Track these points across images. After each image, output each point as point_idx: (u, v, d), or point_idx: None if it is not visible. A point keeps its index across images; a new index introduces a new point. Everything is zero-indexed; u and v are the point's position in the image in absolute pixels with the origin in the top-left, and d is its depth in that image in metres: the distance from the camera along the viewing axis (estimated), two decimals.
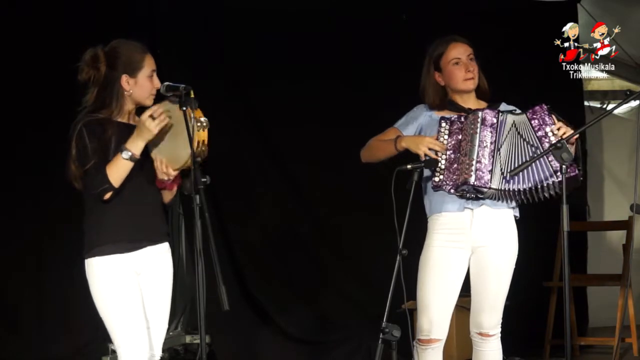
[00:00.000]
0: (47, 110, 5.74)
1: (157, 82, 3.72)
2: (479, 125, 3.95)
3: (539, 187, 3.94)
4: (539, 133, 3.94)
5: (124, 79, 3.71)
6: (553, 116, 3.96)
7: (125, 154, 3.60)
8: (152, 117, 3.62)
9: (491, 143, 3.95)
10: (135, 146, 3.62)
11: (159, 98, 3.71)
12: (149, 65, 3.72)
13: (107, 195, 3.63)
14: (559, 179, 3.85)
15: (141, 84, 3.71)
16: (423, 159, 4.02)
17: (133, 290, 3.70)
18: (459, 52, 4.12)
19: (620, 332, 6.31)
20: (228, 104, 6.40)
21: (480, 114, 3.97)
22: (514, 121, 3.99)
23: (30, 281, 5.92)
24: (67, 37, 5.85)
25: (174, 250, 6.39)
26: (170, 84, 3.60)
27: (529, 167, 3.92)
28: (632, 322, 6.59)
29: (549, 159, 3.91)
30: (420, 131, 4.16)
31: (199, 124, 3.57)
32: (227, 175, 6.23)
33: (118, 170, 3.61)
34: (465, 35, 4.24)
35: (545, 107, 3.97)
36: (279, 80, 6.50)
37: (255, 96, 6.55)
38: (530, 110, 3.99)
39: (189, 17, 6.38)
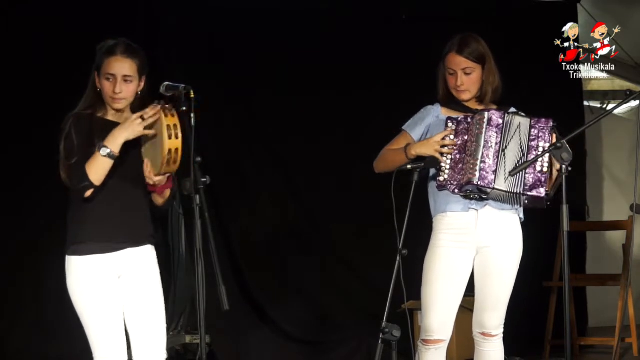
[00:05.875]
0: (48, 109, 5.72)
1: (116, 87, 3.72)
2: (484, 125, 3.95)
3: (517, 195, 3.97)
4: (532, 143, 3.97)
5: (96, 77, 3.78)
6: (554, 135, 3.97)
7: (103, 151, 3.63)
8: (142, 117, 3.64)
9: (496, 144, 3.95)
10: (114, 143, 3.64)
11: (160, 98, 3.72)
12: (105, 68, 3.74)
13: (88, 193, 3.66)
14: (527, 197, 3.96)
15: (102, 84, 3.76)
16: (434, 158, 4.03)
17: (111, 292, 3.72)
18: (454, 64, 4.11)
19: (620, 332, 6.31)
20: (228, 104, 6.41)
21: (486, 114, 3.97)
22: (519, 123, 3.99)
23: (30, 281, 5.91)
24: (67, 37, 5.86)
25: (173, 251, 6.44)
26: (170, 83, 3.61)
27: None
28: (632, 322, 6.60)
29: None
30: (427, 132, 4.17)
31: (172, 130, 3.55)
32: (227, 176, 6.23)
33: (97, 167, 3.64)
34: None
35: (551, 123, 3.97)
36: (279, 80, 6.50)
37: (255, 96, 6.55)
38: (536, 119, 4.00)
39: (189, 17, 6.38)
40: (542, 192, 3.96)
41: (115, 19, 5.88)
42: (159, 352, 3.83)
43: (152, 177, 3.67)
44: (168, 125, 3.54)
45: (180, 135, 3.57)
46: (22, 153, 5.84)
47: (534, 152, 3.97)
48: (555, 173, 3.99)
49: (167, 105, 3.56)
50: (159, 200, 3.83)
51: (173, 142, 3.55)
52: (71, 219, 3.76)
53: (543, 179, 3.97)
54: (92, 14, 5.93)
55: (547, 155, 3.95)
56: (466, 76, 4.10)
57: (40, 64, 5.87)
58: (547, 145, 3.95)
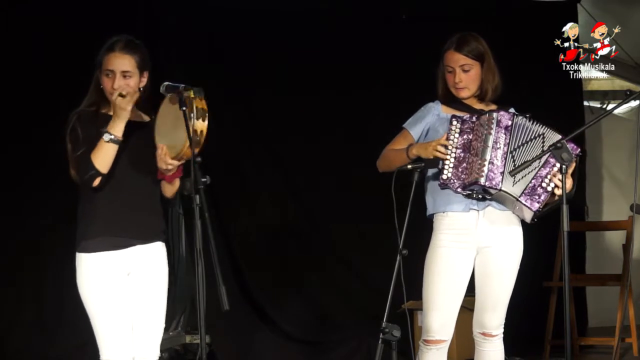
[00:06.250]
0: (50, 110, 5.74)
1: (115, 83, 3.74)
2: (494, 126, 3.95)
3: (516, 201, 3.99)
4: (551, 159, 3.96)
5: (98, 74, 3.81)
6: (572, 163, 3.96)
7: (107, 137, 3.66)
8: (121, 95, 3.68)
9: (505, 145, 3.95)
10: (116, 127, 3.67)
11: (161, 97, 3.73)
12: (105, 64, 3.77)
13: (96, 182, 3.67)
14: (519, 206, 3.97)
15: (102, 80, 3.79)
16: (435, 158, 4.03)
17: (119, 290, 3.73)
18: (452, 61, 4.12)
19: (620, 332, 6.31)
20: (228, 105, 6.40)
21: (495, 115, 3.97)
22: (545, 134, 3.98)
23: (30, 281, 5.92)
24: (67, 37, 5.86)
25: (174, 251, 6.45)
26: (170, 83, 3.61)
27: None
28: (632, 322, 6.59)
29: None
30: (428, 130, 4.17)
31: (200, 114, 3.57)
32: (227, 176, 6.23)
33: (102, 154, 3.66)
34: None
35: (578, 151, 3.95)
36: (279, 80, 6.50)
37: (255, 96, 6.55)
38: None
39: (189, 17, 6.38)
40: (535, 206, 3.97)
41: (115, 19, 5.88)
42: (153, 351, 3.84)
43: (168, 159, 3.66)
44: (197, 108, 3.55)
45: (207, 121, 3.58)
46: (22, 153, 5.84)
47: (548, 167, 3.97)
48: (556, 198, 3.99)
49: (183, 109, 3.55)
50: (168, 190, 3.84)
51: (200, 124, 3.56)
52: (81, 216, 3.78)
53: (542, 195, 3.97)
54: (92, 14, 5.93)
55: (555, 175, 3.94)
56: (464, 73, 4.10)
57: (40, 64, 5.87)
58: (556, 171, 3.95)
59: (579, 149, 3.97)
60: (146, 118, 3.85)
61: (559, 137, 3.97)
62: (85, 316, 3.87)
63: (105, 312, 3.70)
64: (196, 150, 3.56)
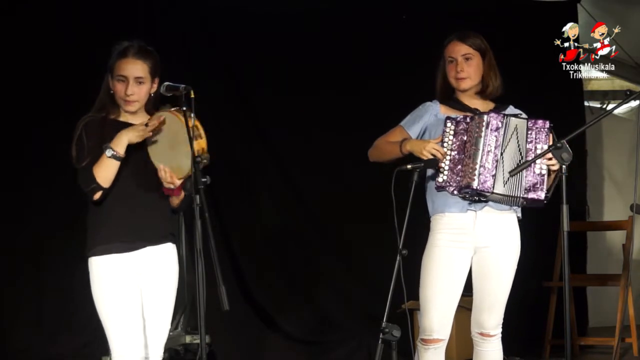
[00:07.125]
0: (51, 110, 5.74)
1: (128, 89, 3.73)
2: (483, 129, 3.96)
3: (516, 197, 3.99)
4: (529, 145, 3.98)
5: (109, 80, 3.78)
6: (550, 136, 3.97)
7: (108, 152, 3.65)
8: (146, 124, 3.67)
9: (495, 147, 3.96)
10: (118, 144, 3.66)
11: (163, 100, 3.73)
12: (116, 70, 3.75)
13: (97, 195, 3.68)
14: (527, 197, 3.96)
15: (114, 86, 3.77)
16: (434, 159, 4.03)
17: (130, 291, 3.73)
18: (454, 51, 4.13)
19: (620, 332, 6.31)
20: (228, 105, 6.41)
21: (485, 117, 3.97)
22: (516, 125, 4.00)
23: (30, 281, 5.92)
24: (67, 38, 5.86)
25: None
26: (170, 84, 3.61)
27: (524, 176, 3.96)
28: (632, 322, 6.60)
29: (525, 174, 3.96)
30: (425, 130, 4.17)
31: (198, 132, 3.57)
32: (227, 176, 6.23)
33: (104, 169, 3.66)
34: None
35: (548, 124, 3.98)
36: (279, 80, 6.50)
37: (255, 96, 6.55)
38: (533, 120, 4.01)
39: (189, 17, 6.38)
40: (541, 195, 3.97)
41: (115, 19, 5.88)
42: (157, 351, 3.84)
43: (176, 181, 3.68)
44: (190, 128, 3.55)
45: (203, 134, 3.59)
46: (22, 154, 5.85)
47: (532, 154, 3.98)
48: (552, 174, 4.00)
49: (183, 109, 3.54)
50: (175, 201, 3.84)
51: (200, 143, 3.57)
52: (90, 222, 3.78)
53: (542, 182, 3.97)
54: (92, 13, 5.93)
55: (546, 157, 3.95)
56: (466, 62, 4.11)
57: (40, 63, 5.87)
58: (545, 146, 3.96)
59: (548, 121, 4.00)
60: None
61: (524, 121, 3.98)
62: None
63: (118, 314, 3.69)
64: (202, 167, 3.57)
